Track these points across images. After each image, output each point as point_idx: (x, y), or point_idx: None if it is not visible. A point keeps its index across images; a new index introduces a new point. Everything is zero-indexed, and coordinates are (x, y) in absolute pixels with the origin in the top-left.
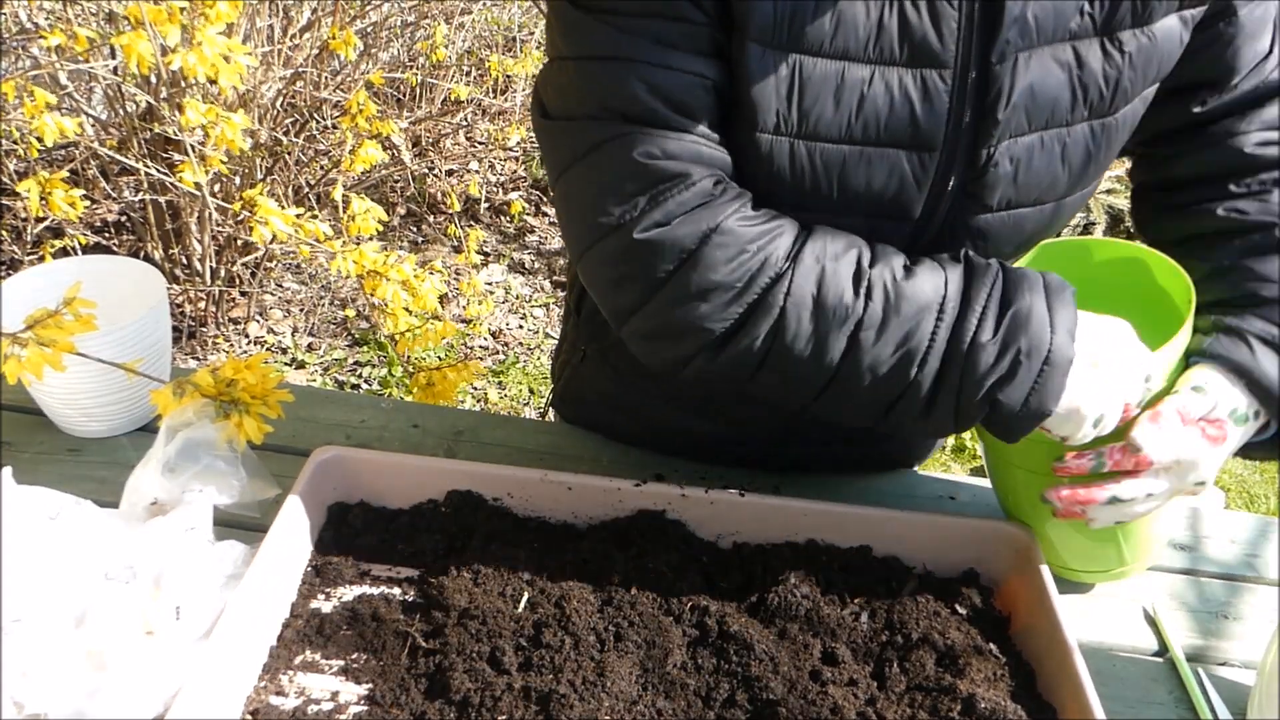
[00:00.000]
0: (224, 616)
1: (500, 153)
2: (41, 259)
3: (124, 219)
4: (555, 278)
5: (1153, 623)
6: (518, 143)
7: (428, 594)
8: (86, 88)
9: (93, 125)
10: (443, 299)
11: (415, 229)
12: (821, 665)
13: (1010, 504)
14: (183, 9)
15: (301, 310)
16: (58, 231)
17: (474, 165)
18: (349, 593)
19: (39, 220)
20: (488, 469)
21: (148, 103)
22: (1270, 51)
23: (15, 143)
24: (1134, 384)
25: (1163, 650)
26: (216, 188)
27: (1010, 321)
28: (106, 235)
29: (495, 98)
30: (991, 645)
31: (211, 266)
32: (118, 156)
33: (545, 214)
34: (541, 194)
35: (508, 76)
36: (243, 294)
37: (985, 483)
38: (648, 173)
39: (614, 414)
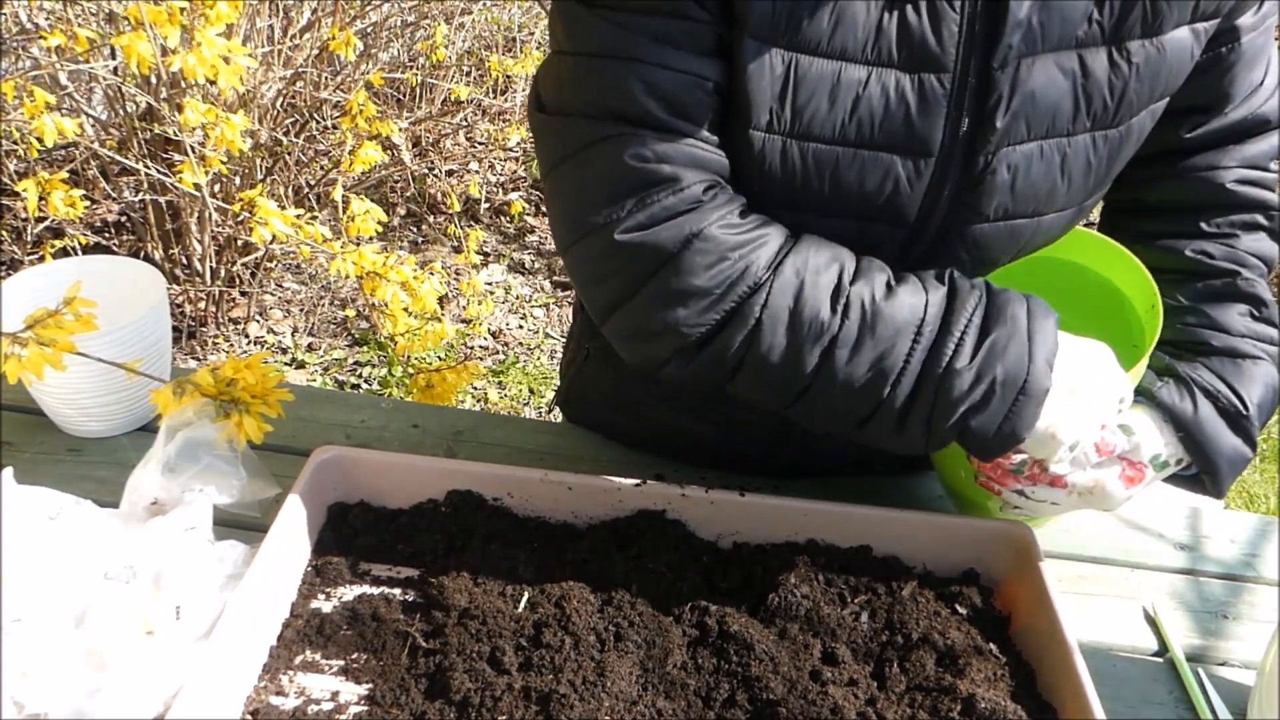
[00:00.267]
0: (224, 616)
1: (500, 153)
2: (41, 259)
3: (124, 219)
4: (555, 278)
5: (1153, 623)
6: (518, 143)
7: (428, 594)
8: (86, 88)
9: (93, 125)
10: (443, 299)
11: (415, 229)
12: (821, 665)
13: (937, 458)
14: (183, 10)
15: (301, 310)
16: (58, 231)
17: (474, 165)
18: (349, 593)
19: (39, 220)
20: (488, 469)
21: (148, 103)
22: (1262, 83)
23: (15, 143)
24: (1110, 407)
25: (1163, 650)
26: (216, 188)
27: (988, 349)
28: (106, 235)
29: (495, 98)
30: (991, 645)
31: (211, 266)
32: (118, 157)
33: (545, 214)
34: (541, 194)
35: (508, 77)
36: (243, 294)
37: None
38: (637, 175)
39: (614, 414)
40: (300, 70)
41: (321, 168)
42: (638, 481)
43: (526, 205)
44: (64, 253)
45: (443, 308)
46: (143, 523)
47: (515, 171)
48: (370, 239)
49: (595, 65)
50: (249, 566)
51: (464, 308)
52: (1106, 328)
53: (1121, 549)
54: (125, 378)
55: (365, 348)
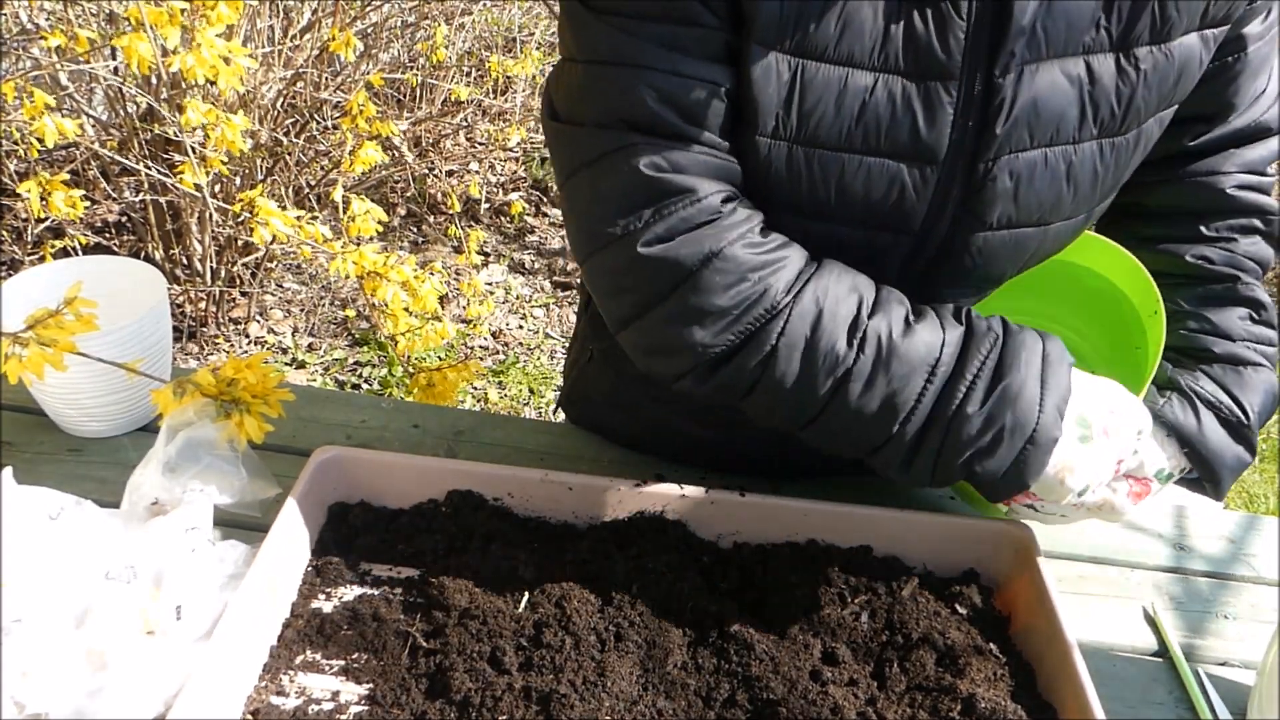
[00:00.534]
0: (225, 616)
1: (500, 153)
2: (42, 259)
3: (124, 219)
4: (555, 278)
5: (1153, 623)
6: (518, 143)
7: (428, 594)
8: (87, 89)
9: (93, 126)
10: (443, 299)
11: (416, 229)
12: (822, 665)
13: None
14: (183, 10)
15: (302, 310)
16: (58, 232)
17: (474, 166)
18: (349, 593)
19: (39, 220)
20: (488, 469)
21: (148, 104)
22: (1265, 91)
23: (16, 143)
24: (1127, 447)
25: (1163, 650)
26: (217, 188)
27: (1000, 395)
28: (107, 235)
29: (495, 98)
30: (991, 645)
31: (212, 267)
32: (118, 157)
33: (545, 214)
34: (542, 194)
35: (508, 77)
36: (243, 294)
37: None
38: (653, 185)
39: (615, 415)
40: (300, 71)
41: (322, 168)
42: (638, 482)
43: (527, 205)
44: (64, 253)
45: (443, 308)
46: (143, 523)
47: (515, 172)
48: (370, 239)
49: (605, 73)
50: (249, 566)
51: (464, 308)
52: (1107, 329)
53: (1122, 549)
54: (126, 378)
55: (366, 348)
